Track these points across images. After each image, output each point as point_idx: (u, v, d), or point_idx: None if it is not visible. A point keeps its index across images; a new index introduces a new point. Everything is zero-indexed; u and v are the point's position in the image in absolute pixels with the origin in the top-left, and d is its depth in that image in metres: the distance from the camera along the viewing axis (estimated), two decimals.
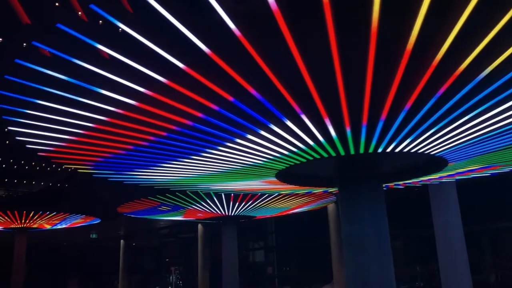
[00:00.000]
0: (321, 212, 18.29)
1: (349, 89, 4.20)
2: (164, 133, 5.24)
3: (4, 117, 5.06)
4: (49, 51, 3.84)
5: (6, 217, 17.84)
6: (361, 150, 5.50)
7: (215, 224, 22.97)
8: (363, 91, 4.23)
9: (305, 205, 13.27)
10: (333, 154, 5.59)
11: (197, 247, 24.19)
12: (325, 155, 5.64)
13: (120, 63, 3.94)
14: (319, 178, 7.05)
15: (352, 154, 5.60)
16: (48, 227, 19.54)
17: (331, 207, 17.89)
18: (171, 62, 3.86)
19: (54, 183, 23.08)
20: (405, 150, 5.69)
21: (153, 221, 25.04)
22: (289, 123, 4.81)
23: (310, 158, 5.79)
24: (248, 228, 24.13)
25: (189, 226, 25.35)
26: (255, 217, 14.80)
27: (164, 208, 11.59)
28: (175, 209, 11.86)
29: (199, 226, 24.19)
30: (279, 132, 5.02)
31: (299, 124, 4.83)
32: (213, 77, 4.07)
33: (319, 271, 22.37)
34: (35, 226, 19.58)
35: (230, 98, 4.35)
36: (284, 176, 6.74)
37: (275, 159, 5.96)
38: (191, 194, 10.71)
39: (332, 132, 4.99)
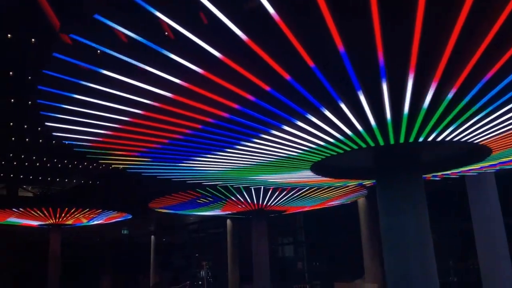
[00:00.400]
0: (351, 206, 18.05)
1: (392, 76, 4.04)
2: (199, 126, 5.18)
3: (42, 112, 5.10)
4: (85, 43, 3.82)
5: (41, 214, 18.29)
6: (401, 140, 5.31)
7: (244, 219, 23.02)
8: (406, 77, 4.06)
9: (336, 199, 13.07)
10: (372, 144, 5.42)
11: (226, 242, 24.26)
12: (363, 145, 5.48)
13: (156, 54, 3.88)
14: (356, 170, 6.87)
15: (392, 144, 5.41)
16: (85, 221, 19.89)
17: (361, 201, 17.65)
18: (208, 52, 3.77)
19: (86, 181, 23.55)
20: (448, 138, 5.47)
21: (182, 217, 25.28)
22: (327, 113, 4.67)
23: (348, 149, 5.63)
24: (277, 223, 24.05)
25: (218, 221, 25.43)
26: (285, 211, 14.68)
27: (203, 200, 11.56)
28: (216, 200, 11.83)
29: (228, 221, 24.25)
30: (316, 122, 4.89)
31: (338, 113, 4.69)
32: (250, 66, 3.96)
33: (350, 266, 22.13)
34: (68, 222, 20.02)
35: (267, 88, 4.24)
36: (319, 168, 6.59)
37: (311, 151, 5.82)
38: (227, 189, 10.66)
39: (372, 121, 4.83)
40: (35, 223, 19.89)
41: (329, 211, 19.47)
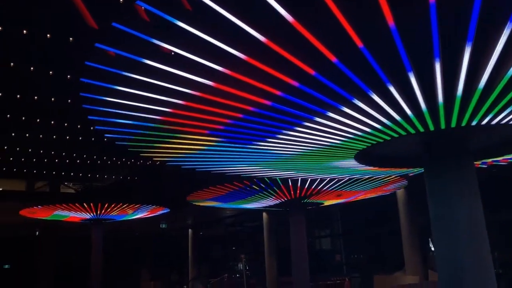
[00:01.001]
0: (389, 198, 17.67)
1: (445, 55, 3.78)
2: (240, 115, 5.06)
3: (84, 106, 5.11)
4: (128, 32, 3.75)
5: (83, 209, 18.78)
6: (453, 124, 5.02)
7: (281, 212, 22.93)
8: (460, 55, 3.80)
9: (376, 190, 12.75)
10: (421, 129, 5.15)
11: (263, 236, 24.24)
12: (412, 131, 5.22)
13: (196, 39, 3.77)
14: (403, 158, 6.59)
15: (443, 129, 5.12)
16: (130, 212, 20.25)
17: (400, 192, 17.23)
18: (251, 35, 3.62)
19: (125, 176, 24.03)
20: (503, 122, 5.14)
21: (219, 211, 25.45)
22: (374, 97, 4.45)
23: (395, 135, 5.38)
24: (313, 216, 23.85)
25: (254, 214, 25.47)
26: (323, 203, 14.46)
27: (245, 191, 11.47)
28: (254, 193, 11.75)
29: (264, 214, 24.22)
30: (363, 107, 4.67)
31: (386, 97, 4.46)
32: (295, 50, 3.80)
33: (389, 258, 21.75)
34: (109, 217, 20.49)
35: (312, 72, 4.06)
36: (364, 157, 6.36)
37: (356, 139, 5.61)
38: (264, 181, 10.54)
39: (422, 105, 4.57)
40: (77, 218, 20.46)
41: (366, 203, 19.18)
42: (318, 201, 13.41)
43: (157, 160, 7.72)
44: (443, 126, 5.06)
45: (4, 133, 16.71)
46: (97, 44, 3.92)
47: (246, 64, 3.99)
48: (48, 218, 20.40)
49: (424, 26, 3.44)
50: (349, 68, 3.96)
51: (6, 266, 28.19)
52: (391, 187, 13.23)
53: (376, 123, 5.02)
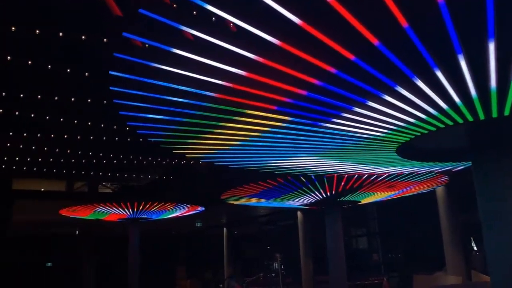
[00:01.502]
0: (427, 195, 17.08)
1: (500, 34, 3.44)
2: (274, 107, 4.85)
3: (115, 100, 5.03)
4: (159, 20, 3.60)
5: (120, 208, 19.06)
6: (506, 112, 4.63)
7: (316, 211, 22.55)
8: None
9: (420, 187, 12.25)
10: (470, 119, 4.78)
11: (297, 234, 23.95)
12: (459, 120, 4.85)
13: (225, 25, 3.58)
14: (448, 151, 6.19)
15: (494, 118, 4.74)
16: (171, 208, 20.40)
17: (440, 190, 16.60)
18: (285, 17, 3.39)
19: (160, 176, 24.31)
20: None
21: (253, 209, 25.34)
22: (419, 83, 4.13)
23: (441, 126, 5.02)
24: (349, 215, 23.37)
25: (288, 213, 25.24)
26: (360, 202, 14.03)
27: (279, 190, 11.23)
28: (288, 191, 11.50)
29: (298, 213, 23.92)
30: (406, 95, 4.36)
31: (432, 84, 4.13)
32: (332, 32, 3.53)
33: (428, 258, 21.06)
34: (146, 215, 20.72)
35: (351, 57, 3.80)
36: (406, 150, 6.00)
37: (398, 130, 5.28)
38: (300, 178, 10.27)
39: (472, 91, 4.22)
40: (115, 216, 20.81)
41: (403, 201, 18.67)
42: (356, 198, 13.02)
43: (191, 157, 7.59)
44: (495, 114, 4.68)
45: (43, 134, 17.18)
46: (124, 34, 3.81)
47: (280, 51, 3.76)
48: (88, 217, 20.84)
49: (477, 1, 3.13)
50: (392, 51, 3.67)
51: (49, 264, 29.07)
52: (430, 184, 12.71)
53: (421, 112, 4.69)
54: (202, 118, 5.19)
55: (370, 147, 6.05)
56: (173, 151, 7.17)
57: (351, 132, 5.40)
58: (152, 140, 6.36)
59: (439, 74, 3.96)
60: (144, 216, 20.54)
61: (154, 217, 21.21)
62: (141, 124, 5.72)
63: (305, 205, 13.55)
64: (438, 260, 17.32)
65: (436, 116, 4.78)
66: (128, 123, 5.71)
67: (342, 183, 10.59)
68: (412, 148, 5.87)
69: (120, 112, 5.34)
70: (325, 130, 5.42)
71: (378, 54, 3.68)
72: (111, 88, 4.66)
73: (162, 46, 3.96)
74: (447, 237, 16.30)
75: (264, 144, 6.14)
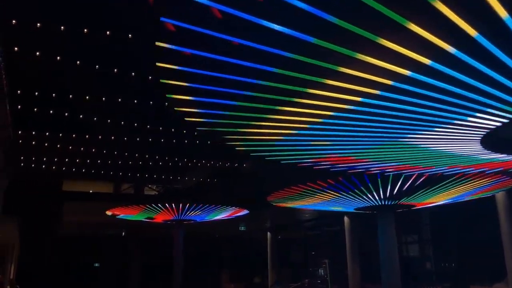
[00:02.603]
0: (485, 201, 16.02)
1: None
2: (359, 99, 4.30)
3: (168, 95, 4.71)
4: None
5: (165, 210, 19.09)
6: None
7: (364, 216, 21.74)
8: None
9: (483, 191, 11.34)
10: None
11: (343, 240, 23.20)
12: None
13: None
14: None
15: None
16: (214, 212, 20.26)
17: (500, 195, 15.51)
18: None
19: (205, 178, 24.23)
20: None
21: (298, 214, 24.80)
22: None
23: None
24: (399, 220, 22.40)
25: (334, 218, 24.54)
26: (414, 206, 13.23)
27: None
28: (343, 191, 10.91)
29: (345, 218, 23.17)
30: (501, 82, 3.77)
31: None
32: (432, 25, 3.07)
33: (485, 267, 19.78)
34: (190, 217, 20.68)
35: (474, 34, 3.26)
36: (493, 140, 5.23)
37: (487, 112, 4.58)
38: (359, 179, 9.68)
39: None
40: (160, 217, 20.89)
41: (457, 207, 17.70)
42: (417, 199, 12.22)
43: (244, 151, 7.15)
44: None
45: (91, 135, 17.43)
46: (162, 18, 3.49)
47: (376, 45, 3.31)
48: (134, 217, 21.04)
49: None
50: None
51: (96, 265, 29.68)
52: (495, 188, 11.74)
53: None
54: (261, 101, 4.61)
55: (456, 135, 5.32)
56: (223, 141, 6.69)
57: (439, 117, 4.72)
58: (204, 129, 5.94)
59: None
60: (188, 218, 20.49)
61: (198, 219, 21.13)
62: (192, 110, 5.30)
63: (359, 208, 12.89)
64: (497, 270, 16.24)
65: None
66: (176, 107, 5.34)
67: (409, 182, 9.74)
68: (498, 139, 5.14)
69: (175, 108, 4.99)
70: (408, 115, 4.75)
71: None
72: (162, 80, 4.34)
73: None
74: (508, 246, 15.18)
75: (328, 132, 5.51)
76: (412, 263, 25.75)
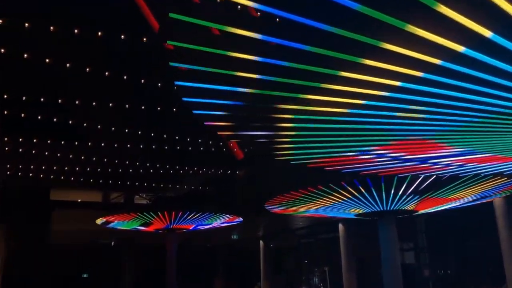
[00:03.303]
0: (482, 207, 15.87)
1: None
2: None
3: (184, 98, 4.33)
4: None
5: (157, 219, 18.59)
6: None
7: (358, 223, 21.43)
8: None
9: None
10: None
11: (338, 248, 22.87)
12: None
13: None
14: None
15: None
16: (207, 220, 19.83)
17: (498, 201, 15.38)
18: None
19: (196, 186, 23.78)
20: None
21: (292, 222, 24.42)
22: None
23: None
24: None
25: (328, 226, 24.25)
26: (416, 212, 12.91)
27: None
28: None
29: (340, 225, 22.84)
30: None
31: None
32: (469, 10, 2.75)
33: (482, 274, 19.65)
34: (182, 227, 20.20)
35: (488, 35, 2.94)
36: None
37: None
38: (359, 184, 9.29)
39: None
40: (151, 227, 20.37)
41: (452, 213, 17.56)
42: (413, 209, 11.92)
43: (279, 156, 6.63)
44: None
45: (81, 142, 16.91)
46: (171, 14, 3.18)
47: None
48: (124, 226, 20.50)
49: None
50: None
51: (85, 275, 28.94)
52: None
53: None
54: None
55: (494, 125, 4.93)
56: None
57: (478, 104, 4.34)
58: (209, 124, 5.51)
59: None
60: (180, 226, 20.01)
61: (192, 228, 20.67)
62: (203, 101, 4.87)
63: (358, 215, 12.52)
64: (497, 276, 16.10)
65: None
66: (205, 123, 4.94)
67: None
68: None
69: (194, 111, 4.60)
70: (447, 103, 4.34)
71: None
72: (176, 82, 3.99)
73: None
74: (507, 252, 14.99)
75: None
76: (408, 270, 25.50)
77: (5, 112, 13.76)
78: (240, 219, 19.60)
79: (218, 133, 6.00)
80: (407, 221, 22.53)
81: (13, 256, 20.56)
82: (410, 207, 11.15)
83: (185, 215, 18.13)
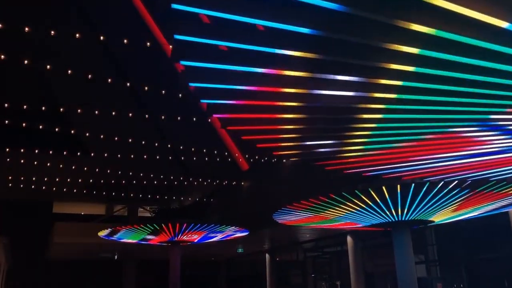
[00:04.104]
0: (496, 218, 15.32)
1: None
2: None
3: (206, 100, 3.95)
4: None
5: (161, 231, 18.12)
6: None
7: (367, 235, 20.81)
8: None
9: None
10: None
11: (345, 261, 22.24)
12: None
13: None
14: None
15: None
16: (211, 233, 19.35)
17: None
18: None
19: (201, 198, 23.35)
20: None
21: (298, 235, 23.86)
22: None
23: None
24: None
25: (336, 238, 23.67)
26: (433, 222, 12.35)
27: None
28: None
29: (348, 238, 22.25)
30: None
31: None
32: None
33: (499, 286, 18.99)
34: (186, 239, 19.70)
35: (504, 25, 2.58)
36: None
37: None
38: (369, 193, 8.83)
39: None
40: (155, 240, 19.90)
41: (464, 225, 17.00)
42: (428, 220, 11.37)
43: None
44: None
45: (84, 152, 16.57)
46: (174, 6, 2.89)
47: None
48: (127, 239, 20.03)
49: None
50: None
51: None
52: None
53: None
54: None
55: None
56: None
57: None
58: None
59: None
60: (184, 239, 19.50)
61: (195, 240, 20.16)
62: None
63: (370, 226, 11.97)
64: None
65: None
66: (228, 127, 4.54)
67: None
68: None
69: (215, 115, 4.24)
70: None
71: None
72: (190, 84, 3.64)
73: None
74: None
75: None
76: (420, 284, 24.78)
77: (6, 122, 13.45)
78: (246, 231, 19.09)
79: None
80: (416, 233, 21.94)
81: (14, 268, 20.19)
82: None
83: (190, 227, 17.64)
